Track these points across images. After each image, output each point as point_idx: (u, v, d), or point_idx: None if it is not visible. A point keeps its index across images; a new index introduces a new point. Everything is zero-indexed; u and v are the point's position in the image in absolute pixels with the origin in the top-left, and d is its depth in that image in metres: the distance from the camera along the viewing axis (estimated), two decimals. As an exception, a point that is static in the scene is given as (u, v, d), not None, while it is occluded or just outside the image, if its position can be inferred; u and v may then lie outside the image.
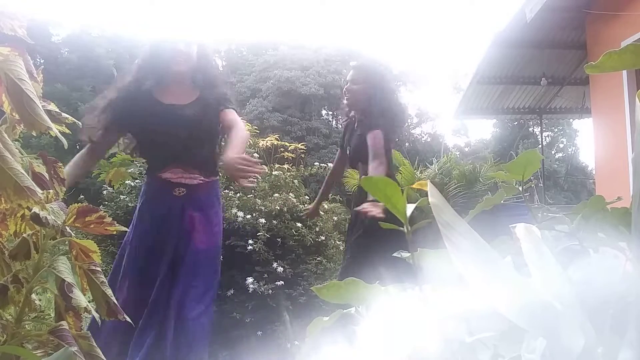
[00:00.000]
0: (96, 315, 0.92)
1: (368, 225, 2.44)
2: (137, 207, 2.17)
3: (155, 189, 2.12)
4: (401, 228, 0.50)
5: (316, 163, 5.17)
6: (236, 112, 2.17)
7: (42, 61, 16.99)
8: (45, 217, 0.86)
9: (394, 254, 0.65)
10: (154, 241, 2.04)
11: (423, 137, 22.65)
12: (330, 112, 20.84)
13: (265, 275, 3.27)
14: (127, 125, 2.14)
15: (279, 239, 3.45)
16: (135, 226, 2.11)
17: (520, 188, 0.72)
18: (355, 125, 2.67)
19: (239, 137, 2.02)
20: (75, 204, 0.95)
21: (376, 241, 2.34)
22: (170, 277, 2.01)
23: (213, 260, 2.11)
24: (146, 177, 2.23)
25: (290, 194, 3.79)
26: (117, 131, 2.16)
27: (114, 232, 0.99)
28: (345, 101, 2.72)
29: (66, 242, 0.94)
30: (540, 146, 13.79)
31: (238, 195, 3.78)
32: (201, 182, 2.12)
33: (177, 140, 2.06)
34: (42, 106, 0.85)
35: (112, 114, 2.09)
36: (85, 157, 2.13)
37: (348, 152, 2.74)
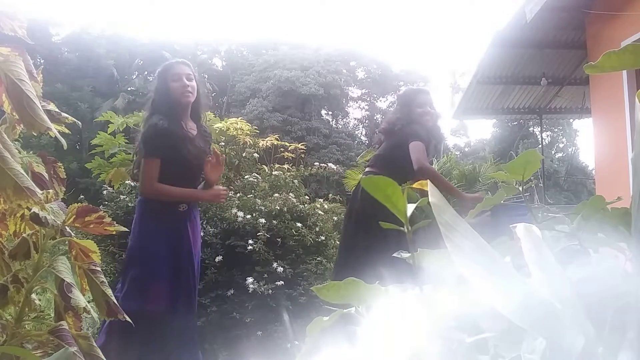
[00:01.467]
0: (95, 316, 0.93)
1: (364, 224, 2.47)
2: (143, 223, 2.27)
3: (158, 207, 2.27)
4: (401, 228, 0.50)
5: (316, 163, 5.17)
6: None
7: (42, 61, 16.98)
8: (45, 217, 0.86)
9: (394, 254, 0.65)
10: (168, 254, 2.22)
11: (423, 137, 22.62)
12: (330, 112, 20.83)
13: (265, 275, 3.27)
14: (164, 151, 2.27)
15: (279, 239, 3.45)
16: (145, 241, 2.25)
17: (520, 188, 0.72)
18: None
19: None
20: (75, 204, 0.95)
21: (374, 240, 2.35)
22: (181, 283, 2.23)
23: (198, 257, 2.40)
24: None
25: (290, 194, 3.79)
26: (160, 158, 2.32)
27: (114, 232, 0.99)
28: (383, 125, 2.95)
29: (66, 242, 0.94)
30: (540, 146, 13.79)
31: (238, 195, 3.78)
32: None
33: (197, 166, 2.32)
34: (42, 106, 0.85)
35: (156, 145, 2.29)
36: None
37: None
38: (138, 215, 2.28)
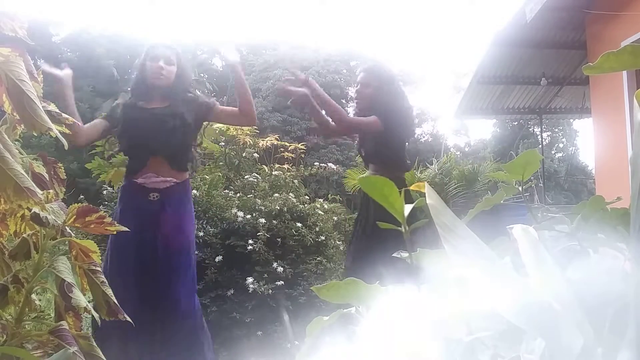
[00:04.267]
0: (96, 315, 0.93)
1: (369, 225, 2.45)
2: (117, 213, 2.28)
3: (131, 194, 2.27)
4: (399, 228, 0.50)
5: (316, 163, 5.18)
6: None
7: (42, 61, 16.97)
8: (45, 217, 0.86)
9: (394, 254, 0.65)
10: (135, 246, 2.16)
11: (423, 137, 22.63)
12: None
13: (265, 275, 3.27)
14: (113, 128, 2.35)
15: (279, 239, 3.45)
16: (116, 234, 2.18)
17: (520, 188, 0.73)
18: None
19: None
20: (75, 204, 0.95)
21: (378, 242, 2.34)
22: (151, 277, 2.16)
23: (187, 256, 2.27)
24: (123, 181, 2.37)
25: (290, 194, 3.80)
26: (105, 131, 2.37)
27: (114, 232, 1.00)
28: (355, 104, 2.73)
29: (66, 242, 0.94)
30: (540, 146, 13.78)
31: (238, 195, 3.78)
32: (173, 184, 2.27)
33: (154, 137, 2.23)
34: (42, 106, 0.85)
35: (107, 119, 2.37)
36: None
37: (362, 154, 2.76)
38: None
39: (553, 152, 22.97)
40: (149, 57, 2.35)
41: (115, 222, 0.99)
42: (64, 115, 1.03)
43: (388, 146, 2.54)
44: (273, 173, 4.07)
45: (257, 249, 3.29)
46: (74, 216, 0.93)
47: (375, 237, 2.36)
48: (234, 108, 2.42)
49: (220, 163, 4.35)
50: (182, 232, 2.26)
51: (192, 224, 2.38)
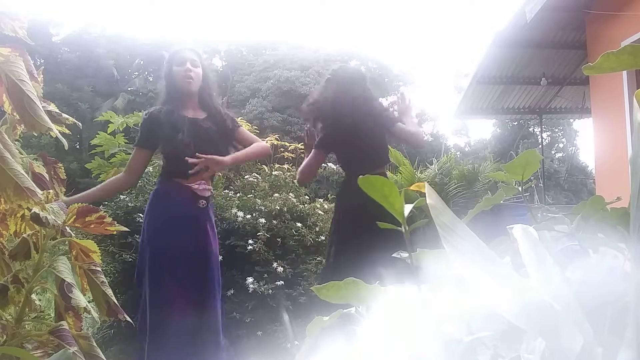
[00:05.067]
0: (96, 315, 0.93)
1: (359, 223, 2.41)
2: (160, 210, 2.24)
3: (182, 196, 2.23)
4: (399, 228, 0.50)
5: (316, 163, 5.15)
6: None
7: (42, 61, 16.97)
8: (45, 217, 0.86)
9: (394, 254, 0.65)
10: (185, 250, 2.18)
11: (423, 137, 22.63)
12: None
13: (265, 275, 3.27)
14: (156, 141, 2.31)
15: (279, 239, 3.45)
16: (160, 231, 2.20)
17: (520, 188, 0.73)
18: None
19: (254, 147, 2.38)
20: (76, 204, 0.95)
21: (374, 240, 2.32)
22: (196, 279, 2.19)
23: (217, 260, 2.32)
24: (162, 181, 2.31)
25: (290, 194, 3.79)
26: (150, 149, 2.34)
27: (114, 232, 1.00)
28: (314, 110, 2.56)
29: (66, 242, 0.94)
30: (540, 146, 13.78)
31: (238, 195, 3.78)
32: (211, 194, 2.32)
33: (200, 145, 2.21)
34: (42, 107, 0.85)
35: (144, 135, 2.31)
36: (122, 178, 2.33)
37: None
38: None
39: (553, 152, 22.97)
40: (175, 62, 2.31)
41: (115, 222, 0.99)
42: (63, 115, 1.03)
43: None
44: (273, 173, 4.06)
45: (257, 249, 3.29)
46: (74, 216, 0.93)
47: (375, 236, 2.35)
48: (254, 139, 2.44)
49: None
50: (216, 242, 2.31)
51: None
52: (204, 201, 2.24)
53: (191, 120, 2.27)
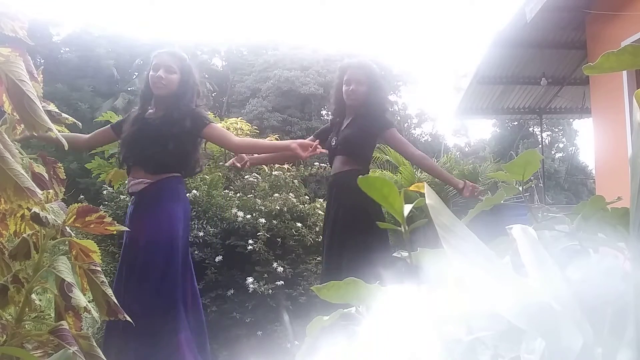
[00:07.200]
0: (96, 315, 0.93)
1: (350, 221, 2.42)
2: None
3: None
4: (399, 228, 0.50)
5: (316, 163, 5.17)
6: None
7: (42, 61, 16.97)
8: (45, 217, 0.86)
9: (394, 254, 0.65)
10: (125, 248, 2.33)
11: (423, 137, 22.62)
12: (330, 112, 20.79)
13: (265, 275, 3.27)
14: (119, 134, 2.48)
15: (279, 239, 3.45)
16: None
17: (520, 188, 0.73)
18: (346, 122, 2.66)
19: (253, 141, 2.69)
20: (75, 204, 0.95)
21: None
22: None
23: (165, 249, 2.26)
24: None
25: (290, 194, 3.79)
26: (115, 134, 2.53)
27: (114, 232, 1.00)
28: (348, 102, 2.66)
29: (66, 242, 0.94)
30: (540, 146, 13.77)
31: (238, 195, 3.78)
32: (146, 185, 2.31)
33: (141, 141, 2.32)
34: (42, 107, 0.85)
35: (118, 123, 2.56)
36: (83, 138, 2.53)
37: (333, 146, 2.65)
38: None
39: (553, 152, 22.98)
40: (152, 67, 2.39)
41: (115, 222, 0.99)
42: (63, 115, 1.03)
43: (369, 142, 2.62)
44: (273, 173, 4.06)
45: (257, 249, 3.29)
46: (74, 216, 0.93)
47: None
48: (229, 135, 2.48)
49: (220, 163, 4.35)
50: (155, 229, 2.26)
51: (173, 219, 2.32)
52: (134, 197, 2.33)
53: (143, 119, 2.38)
